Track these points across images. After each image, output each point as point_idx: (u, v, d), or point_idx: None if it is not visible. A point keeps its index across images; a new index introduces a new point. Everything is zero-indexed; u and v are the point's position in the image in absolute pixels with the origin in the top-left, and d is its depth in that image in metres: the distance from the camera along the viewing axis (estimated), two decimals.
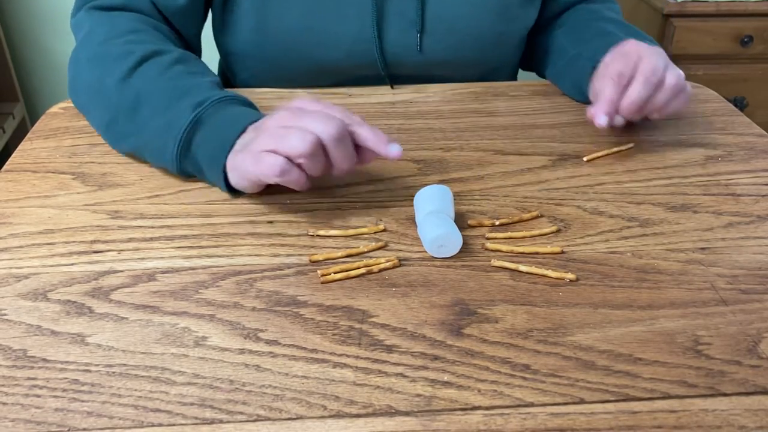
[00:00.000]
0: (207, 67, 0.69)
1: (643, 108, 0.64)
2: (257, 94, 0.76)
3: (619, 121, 0.65)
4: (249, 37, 0.78)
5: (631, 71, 0.64)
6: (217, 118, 0.58)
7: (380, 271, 0.50)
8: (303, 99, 0.56)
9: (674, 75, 0.64)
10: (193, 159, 0.59)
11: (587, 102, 0.73)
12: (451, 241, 0.51)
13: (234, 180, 0.57)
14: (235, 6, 0.76)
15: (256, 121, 0.57)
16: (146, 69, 0.63)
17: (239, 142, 0.56)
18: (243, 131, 0.56)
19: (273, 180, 0.53)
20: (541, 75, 0.88)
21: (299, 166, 0.53)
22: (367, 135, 0.54)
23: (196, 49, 0.81)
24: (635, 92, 0.63)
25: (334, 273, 0.50)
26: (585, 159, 0.66)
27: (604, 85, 0.64)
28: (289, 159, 0.52)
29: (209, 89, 0.61)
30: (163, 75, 0.63)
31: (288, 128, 0.52)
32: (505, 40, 0.81)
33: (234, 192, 0.59)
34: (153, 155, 0.62)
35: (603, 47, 0.71)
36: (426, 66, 0.79)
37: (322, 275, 0.49)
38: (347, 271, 0.50)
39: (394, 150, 0.53)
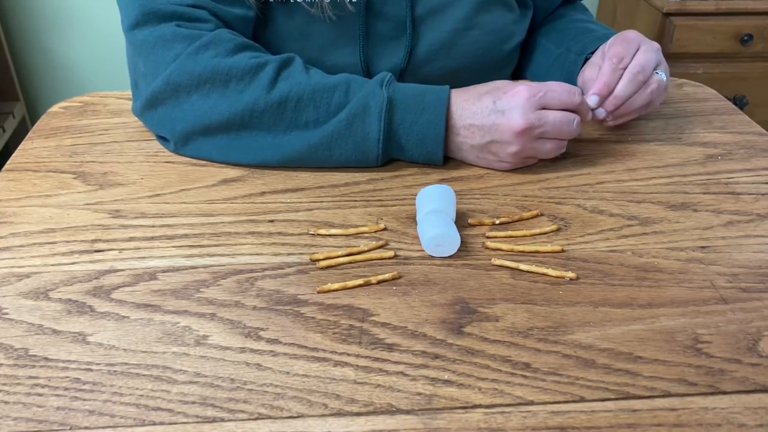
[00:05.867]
0: None
1: (623, 106, 0.65)
2: None
3: (600, 113, 0.65)
4: None
5: (630, 58, 0.64)
6: (405, 96, 0.61)
7: (379, 282, 0.50)
8: (538, 90, 0.60)
9: (657, 79, 0.65)
10: (397, 141, 0.62)
11: None
12: (449, 240, 0.52)
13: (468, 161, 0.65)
14: None
15: (444, 97, 0.61)
16: (290, 73, 0.63)
17: (458, 141, 0.63)
18: (446, 114, 0.61)
19: None
20: (520, 76, 0.88)
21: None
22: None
23: None
24: (620, 89, 0.63)
25: (331, 283, 0.49)
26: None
27: (603, 66, 0.64)
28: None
29: (360, 77, 0.64)
30: (307, 72, 0.63)
31: (536, 140, 0.61)
32: (501, 57, 0.79)
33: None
34: (346, 145, 0.62)
35: (590, 42, 0.72)
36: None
37: (319, 291, 0.49)
38: (345, 281, 0.50)
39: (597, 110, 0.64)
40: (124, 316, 0.47)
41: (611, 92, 0.64)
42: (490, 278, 0.50)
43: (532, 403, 0.40)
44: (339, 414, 0.40)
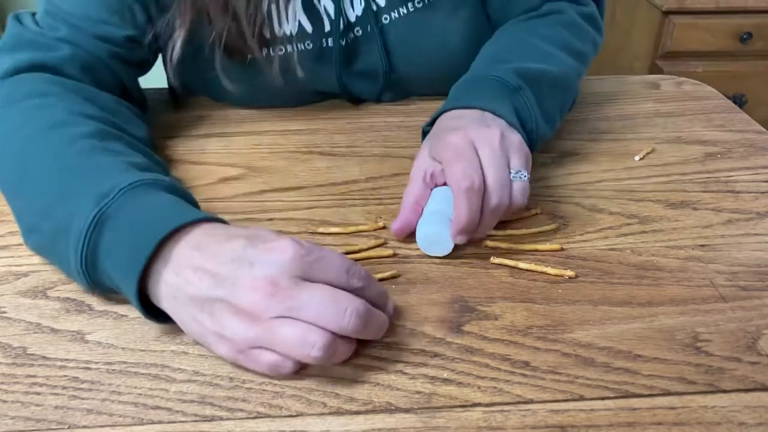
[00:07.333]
0: (135, 143, 0.55)
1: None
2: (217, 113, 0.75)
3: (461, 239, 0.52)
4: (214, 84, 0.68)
5: (480, 175, 0.49)
6: (129, 212, 0.44)
7: (379, 281, 0.49)
8: (275, 242, 0.41)
9: (520, 190, 0.51)
10: (105, 272, 0.44)
11: None
12: (443, 239, 0.51)
13: (180, 326, 0.43)
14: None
15: (180, 227, 0.42)
16: (48, 140, 0.51)
17: (175, 282, 0.41)
18: (163, 241, 0.42)
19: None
20: None
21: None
22: (377, 299, 0.44)
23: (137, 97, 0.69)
24: (481, 230, 0.52)
25: None
26: (637, 158, 0.66)
27: (456, 200, 0.49)
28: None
29: (121, 171, 0.47)
30: (66, 151, 0.50)
31: (279, 319, 0.39)
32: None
33: (158, 318, 0.44)
34: (57, 262, 0.48)
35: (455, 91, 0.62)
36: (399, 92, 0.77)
37: None
38: None
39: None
40: (122, 315, 0.47)
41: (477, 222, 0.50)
42: (489, 277, 0.50)
43: (531, 401, 0.40)
44: (338, 413, 0.39)
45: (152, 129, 0.65)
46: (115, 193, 0.44)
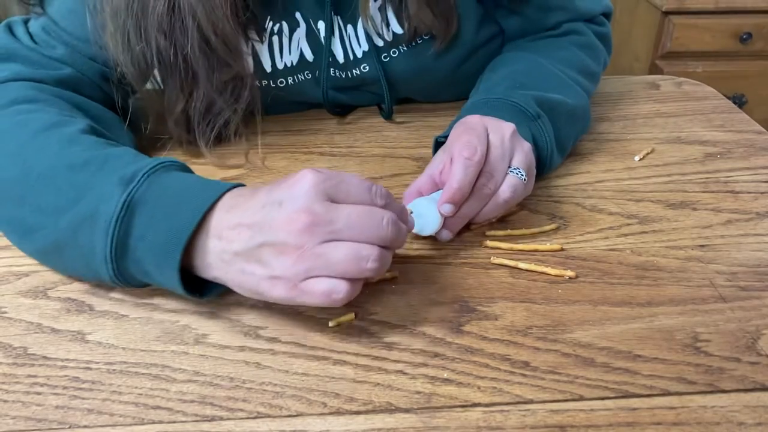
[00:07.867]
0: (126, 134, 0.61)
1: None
2: None
3: (445, 236, 0.53)
4: None
5: (483, 151, 0.51)
6: (158, 195, 0.44)
7: (377, 282, 0.50)
8: (312, 176, 0.42)
9: (511, 185, 0.52)
10: (135, 258, 0.44)
11: None
12: (431, 211, 0.50)
13: (234, 288, 0.44)
14: None
15: (215, 201, 0.44)
16: (46, 141, 0.50)
17: (219, 246, 0.43)
18: (204, 216, 0.43)
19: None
20: None
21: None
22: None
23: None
24: (465, 208, 0.52)
25: None
26: (637, 159, 0.66)
27: (453, 165, 0.50)
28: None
29: (136, 157, 0.49)
30: (67, 148, 0.50)
31: (324, 244, 0.40)
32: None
33: (199, 294, 0.46)
34: (74, 257, 0.47)
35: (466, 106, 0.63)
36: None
37: None
38: None
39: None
40: (123, 315, 0.47)
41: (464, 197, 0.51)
42: (489, 277, 0.50)
43: (531, 401, 0.40)
44: (338, 412, 0.40)
45: (135, 139, 0.65)
46: (139, 177, 0.45)
